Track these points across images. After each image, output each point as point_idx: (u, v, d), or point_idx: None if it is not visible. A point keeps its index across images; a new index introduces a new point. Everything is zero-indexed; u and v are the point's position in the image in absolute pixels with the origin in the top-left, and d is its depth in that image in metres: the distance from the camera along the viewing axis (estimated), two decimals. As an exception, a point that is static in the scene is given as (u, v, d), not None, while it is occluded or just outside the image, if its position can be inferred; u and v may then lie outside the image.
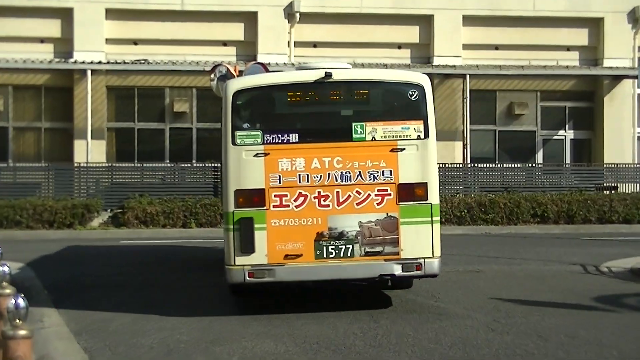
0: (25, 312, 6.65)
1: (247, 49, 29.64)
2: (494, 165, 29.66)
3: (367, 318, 11.03)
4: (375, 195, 11.17)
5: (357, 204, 11.15)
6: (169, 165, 28.56)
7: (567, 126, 31.21)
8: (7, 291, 8.03)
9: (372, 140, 11.25)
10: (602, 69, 30.44)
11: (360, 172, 11.15)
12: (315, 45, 29.92)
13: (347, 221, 11.10)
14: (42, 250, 19.79)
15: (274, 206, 11.07)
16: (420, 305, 11.98)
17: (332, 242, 11.10)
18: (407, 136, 11.29)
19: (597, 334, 9.99)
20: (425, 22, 30.23)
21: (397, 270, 11.19)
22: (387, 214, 11.17)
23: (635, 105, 30.79)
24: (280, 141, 11.17)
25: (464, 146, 29.23)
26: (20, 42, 28.77)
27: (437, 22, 30.00)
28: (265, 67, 19.36)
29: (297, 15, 29.40)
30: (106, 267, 17.23)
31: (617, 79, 30.54)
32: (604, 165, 29.64)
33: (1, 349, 6.69)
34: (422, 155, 11.26)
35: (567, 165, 30.60)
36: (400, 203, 11.17)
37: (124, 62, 28.52)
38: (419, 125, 11.37)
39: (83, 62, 28.33)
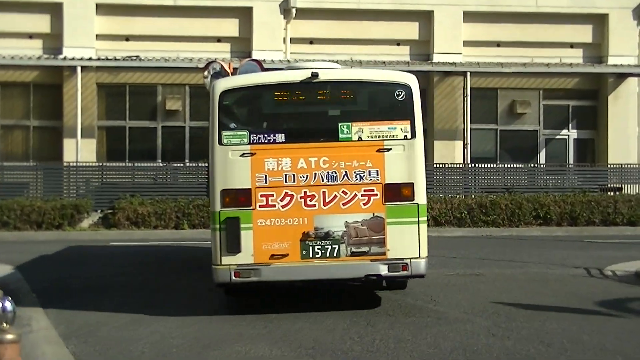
0: (12, 316, 6.65)
1: (242, 46, 29.63)
2: (495, 166, 29.67)
3: (365, 322, 11.04)
4: (362, 195, 11.41)
5: (344, 204, 11.39)
6: (161, 164, 28.55)
7: (570, 125, 31.22)
8: (-6, 294, 8.02)
9: (358, 140, 11.49)
10: (606, 67, 30.45)
11: (346, 172, 11.40)
12: (311, 41, 29.92)
13: (333, 221, 11.35)
14: (30, 252, 19.77)
15: (260, 206, 11.33)
16: (419, 309, 11.99)
17: (318, 242, 11.36)
18: (393, 136, 11.51)
19: (601, 339, 10.00)
20: (424, 18, 30.22)
21: (383, 270, 11.42)
22: (373, 214, 11.40)
23: (640, 104, 30.86)
24: (266, 141, 11.43)
25: (465, 146, 29.24)
26: (8, 38, 28.71)
27: (437, 18, 30.00)
28: (260, 64, 19.37)
29: (293, 10, 29.40)
30: (97, 269, 17.22)
31: (622, 77, 30.55)
32: (608, 166, 29.66)
33: (-12, 353, 6.69)
34: (408, 155, 11.49)
35: (570, 166, 30.62)
36: (387, 203, 11.41)
37: (115, 59, 28.49)
38: (406, 125, 11.56)
39: (73, 59, 28.28)
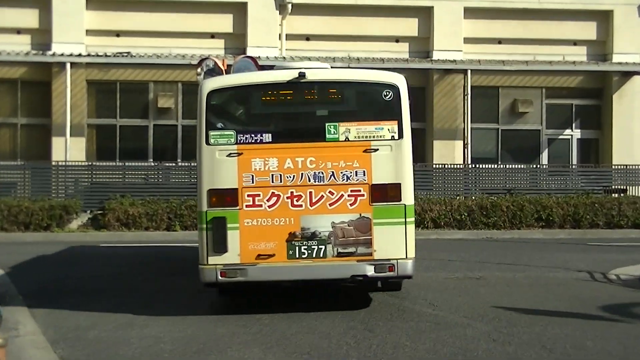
0: (-2, 319, 6.65)
1: (236, 42, 29.64)
2: (496, 166, 29.72)
3: (362, 326, 11.04)
4: (349, 195, 11.65)
5: (330, 205, 11.65)
6: (152, 164, 28.54)
7: (573, 125, 31.25)
8: (-20, 297, 8.01)
9: (345, 140, 11.75)
10: (611, 65, 30.49)
11: (333, 172, 11.65)
12: (308, 38, 29.95)
13: (320, 221, 11.61)
14: (17, 253, 19.74)
15: (246, 206, 11.61)
16: (417, 314, 11.99)
17: (304, 243, 11.62)
18: (381, 137, 11.76)
19: (605, 345, 10.00)
20: (424, 14, 30.25)
21: (370, 271, 11.66)
22: (360, 214, 11.65)
23: (645, 103, 30.89)
24: (253, 141, 11.71)
25: (465, 146, 29.27)
26: (-5, 33, 28.79)
27: (437, 14, 30.03)
28: (255, 61, 19.33)
29: (289, 6, 29.41)
30: (86, 271, 17.22)
31: (626, 75, 30.59)
32: (613, 167, 29.70)
33: (-27, 358, 6.68)
34: (396, 156, 11.73)
35: (573, 167, 30.66)
36: (374, 204, 11.66)
37: (106, 55, 28.50)
38: (393, 125, 11.80)
39: (62, 55, 28.30)
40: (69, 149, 27.99)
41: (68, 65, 28.08)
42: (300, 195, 11.61)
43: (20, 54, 28.40)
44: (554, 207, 26.60)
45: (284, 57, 28.53)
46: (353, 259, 11.62)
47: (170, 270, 17.23)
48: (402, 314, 12.02)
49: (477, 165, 29.20)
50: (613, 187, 28.78)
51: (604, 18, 30.95)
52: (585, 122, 31.29)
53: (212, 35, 29.73)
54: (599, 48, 31.18)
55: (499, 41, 30.70)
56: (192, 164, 27.15)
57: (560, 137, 31.16)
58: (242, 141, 11.67)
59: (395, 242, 11.65)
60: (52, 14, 28.75)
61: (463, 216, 26.36)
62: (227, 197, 11.59)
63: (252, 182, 11.59)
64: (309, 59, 27.02)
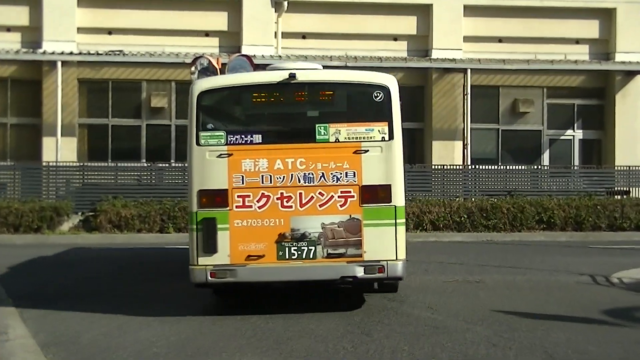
0: (-12, 323, 6.66)
1: (231, 40, 29.65)
2: (496, 167, 29.72)
3: (359, 331, 11.05)
4: (339, 196, 11.89)
5: (320, 206, 11.88)
6: (145, 165, 28.53)
7: (575, 125, 31.29)
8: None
9: (335, 141, 11.98)
10: (613, 64, 30.53)
11: (323, 173, 11.89)
12: (304, 36, 29.96)
13: (310, 222, 11.83)
14: (7, 256, 19.74)
15: (236, 207, 11.86)
16: (416, 318, 12.00)
17: (294, 244, 11.85)
18: (371, 138, 11.98)
19: (608, 350, 10.02)
20: (423, 12, 30.28)
21: (359, 272, 11.87)
22: (350, 215, 11.87)
23: (649, 103, 30.93)
24: (243, 142, 11.96)
25: (464, 146, 29.29)
26: (-16, 31, 28.79)
27: (436, 12, 30.06)
28: (250, 60, 19.38)
29: (285, 3, 29.43)
30: (78, 274, 17.23)
31: (630, 74, 30.62)
32: (615, 168, 29.71)
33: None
34: (386, 157, 11.95)
35: (575, 168, 30.67)
36: (364, 205, 11.88)
37: (98, 53, 28.50)
38: (384, 127, 12.01)
39: (53, 53, 28.29)
40: (60, 149, 27.99)
41: (59, 64, 28.08)
42: (290, 196, 11.84)
43: (10, 52, 28.38)
44: (555, 209, 26.61)
45: (280, 56, 28.55)
46: (343, 260, 11.83)
47: (165, 273, 17.24)
48: (400, 317, 12.03)
49: (477, 166, 29.20)
50: (616, 188, 28.78)
51: (606, 16, 30.99)
52: (587, 123, 31.33)
53: (207, 33, 29.74)
54: (601, 47, 31.21)
55: (500, 39, 30.73)
56: (186, 165, 27.06)
57: (562, 137, 31.19)
58: (232, 142, 11.91)
59: (385, 244, 11.86)
60: (43, 11, 28.75)
61: (462, 218, 26.37)
62: (217, 198, 11.84)
63: (242, 183, 11.83)
64: (306, 57, 27.15)
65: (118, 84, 29.48)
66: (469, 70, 29.19)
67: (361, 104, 12.34)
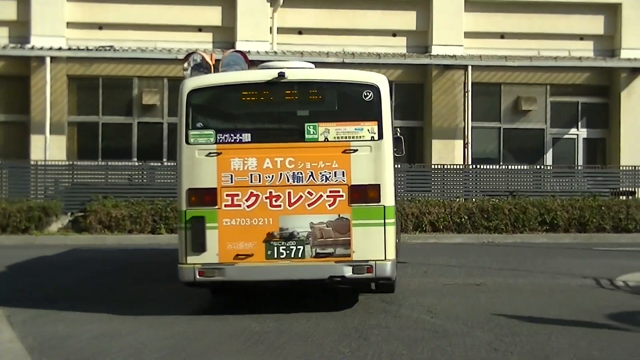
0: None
1: (225, 36, 29.64)
2: (497, 167, 29.73)
3: (357, 334, 11.05)
4: (327, 196, 12.14)
5: (309, 205, 12.13)
6: (136, 163, 28.53)
7: (579, 124, 31.32)
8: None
9: (324, 141, 12.24)
10: (619, 61, 30.55)
11: (312, 172, 12.15)
12: (300, 32, 29.96)
13: (298, 222, 12.09)
14: (-7, 257, 19.76)
15: (225, 205, 12.12)
16: (415, 322, 12.01)
17: (283, 243, 12.11)
18: (360, 137, 12.23)
19: (612, 356, 10.02)
20: (423, 6, 30.28)
21: (348, 272, 12.09)
22: (338, 215, 12.12)
23: (655, 102, 30.94)
24: (232, 141, 12.23)
25: (465, 145, 29.30)
26: (-30, 26, 28.75)
27: (436, 6, 30.06)
28: (244, 56, 19.41)
29: (281, -2, 29.46)
30: (66, 276, 17.22)
31: (635, 71, 30.65)
32: (620, 168, 29.76)
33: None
34: (375, 156, 12.20)
35: (579, 168, 30.70)
36: (352, 205, 12.13)
37: (87, 49, 28.45)
38: (373, 126, 12.25)
39: (41, 48, 28.24)
40: (48, 148, 27.96)
41: (48, 60, 28.05)
42: (279, 195, 12.09)
43: (-3, 48, 28.39)
44: (558, 210, 26.63)
45: (275, 52, 28.56)
46: (331, 260, 12.06)
47: (156, 275, 17.24)
48: (399, 321, 12.04)
49: (478, 166, 29.22)
50: (621, 189, 28.80)
51: (612, 12, 31.00)
52: (591, 121, 31.35)
53: (200, 29, 29.73)
54: (606, 43, 31.23)
55: (502, 35, 30.75)
56: (178, 164, 27.13)
57: (566, 136, 31.22)
58: (221, 141, 12.17)
59: (374, 244, 12.08)
60: (31, 5, 28.72)
61: (463, 219, 26.38)
62: (206, 197, 12.08)
63: (231, 182, 12.09)
64: (302, 53, 27.14)
65: (109, 80, 29.47)
66: (469, 67, 29.21)
67: (351, 103, 12.51)
